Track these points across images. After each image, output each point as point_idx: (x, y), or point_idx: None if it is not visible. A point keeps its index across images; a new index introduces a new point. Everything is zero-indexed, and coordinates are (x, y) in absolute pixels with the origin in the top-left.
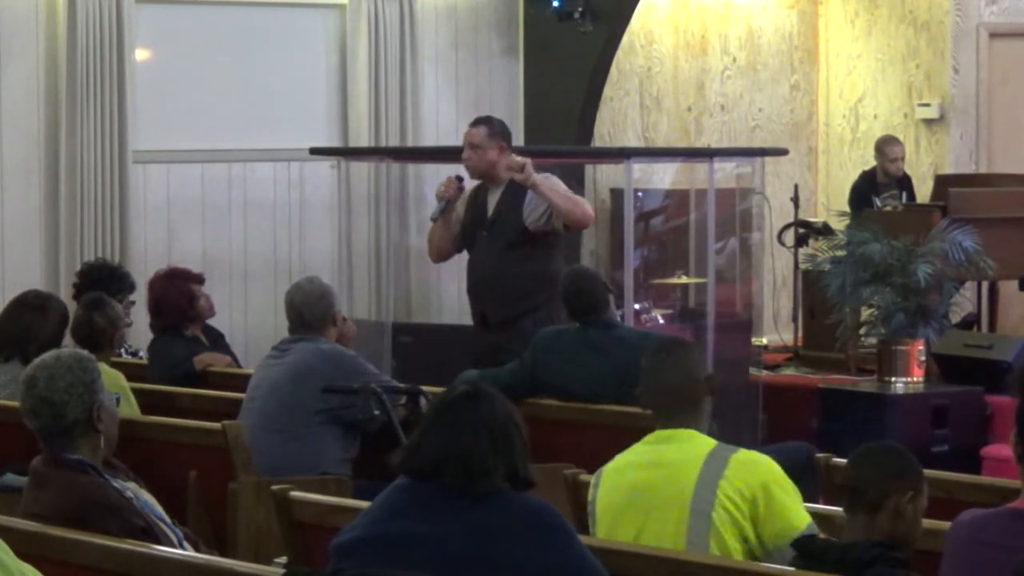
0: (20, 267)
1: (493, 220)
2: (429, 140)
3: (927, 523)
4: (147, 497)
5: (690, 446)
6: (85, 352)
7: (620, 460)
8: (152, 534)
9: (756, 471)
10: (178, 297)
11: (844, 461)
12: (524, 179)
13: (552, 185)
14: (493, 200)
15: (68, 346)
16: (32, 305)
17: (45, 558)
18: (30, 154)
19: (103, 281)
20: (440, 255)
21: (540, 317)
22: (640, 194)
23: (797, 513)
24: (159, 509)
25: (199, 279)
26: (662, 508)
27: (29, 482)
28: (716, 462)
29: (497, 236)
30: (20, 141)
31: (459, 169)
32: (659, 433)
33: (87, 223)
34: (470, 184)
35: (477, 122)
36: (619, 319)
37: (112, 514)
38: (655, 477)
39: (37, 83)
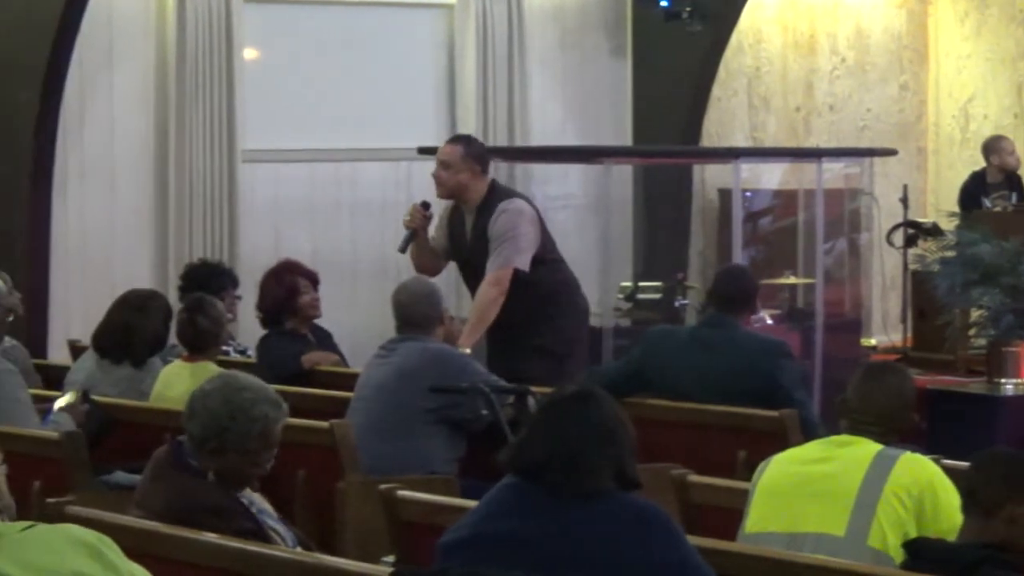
0: (130, 266)
1: (471, 248)
2: (537, 140)
3: None
4: (262, 504)
5: (862, 447)
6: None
7: (793, 451)
8: (260, 536)
9: (923, 471)
10: (278, 286)
11: (953, 463)
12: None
13: (470, 326)
14: (469, 223)
15: (174, 345)
16: (133, 305)
17: (156, 556)
18: (140, 154)
19: (204, 280)
20: (426, 273)
21: (548, 337)
22: (748, 194)
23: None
24: (271, 513)
25: (312, 277)
26: (826, 497)
27: (148, 470)
28: (885, 461)
29: (479, 266)
30: (130, 141)
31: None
32: (841, 437)
33: (196, 222)
34: (438, 206)
35: (454, 140)
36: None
37: (219, 517)
38: (825, 470)
39: (147, 84)
